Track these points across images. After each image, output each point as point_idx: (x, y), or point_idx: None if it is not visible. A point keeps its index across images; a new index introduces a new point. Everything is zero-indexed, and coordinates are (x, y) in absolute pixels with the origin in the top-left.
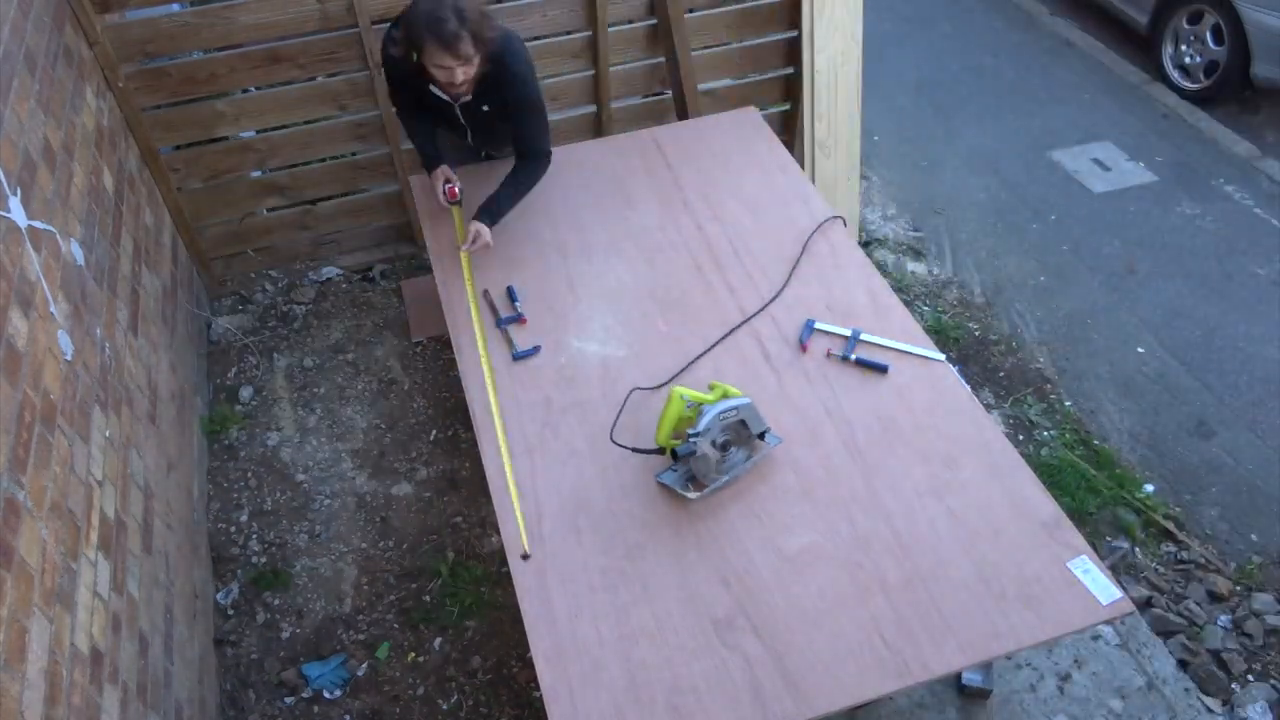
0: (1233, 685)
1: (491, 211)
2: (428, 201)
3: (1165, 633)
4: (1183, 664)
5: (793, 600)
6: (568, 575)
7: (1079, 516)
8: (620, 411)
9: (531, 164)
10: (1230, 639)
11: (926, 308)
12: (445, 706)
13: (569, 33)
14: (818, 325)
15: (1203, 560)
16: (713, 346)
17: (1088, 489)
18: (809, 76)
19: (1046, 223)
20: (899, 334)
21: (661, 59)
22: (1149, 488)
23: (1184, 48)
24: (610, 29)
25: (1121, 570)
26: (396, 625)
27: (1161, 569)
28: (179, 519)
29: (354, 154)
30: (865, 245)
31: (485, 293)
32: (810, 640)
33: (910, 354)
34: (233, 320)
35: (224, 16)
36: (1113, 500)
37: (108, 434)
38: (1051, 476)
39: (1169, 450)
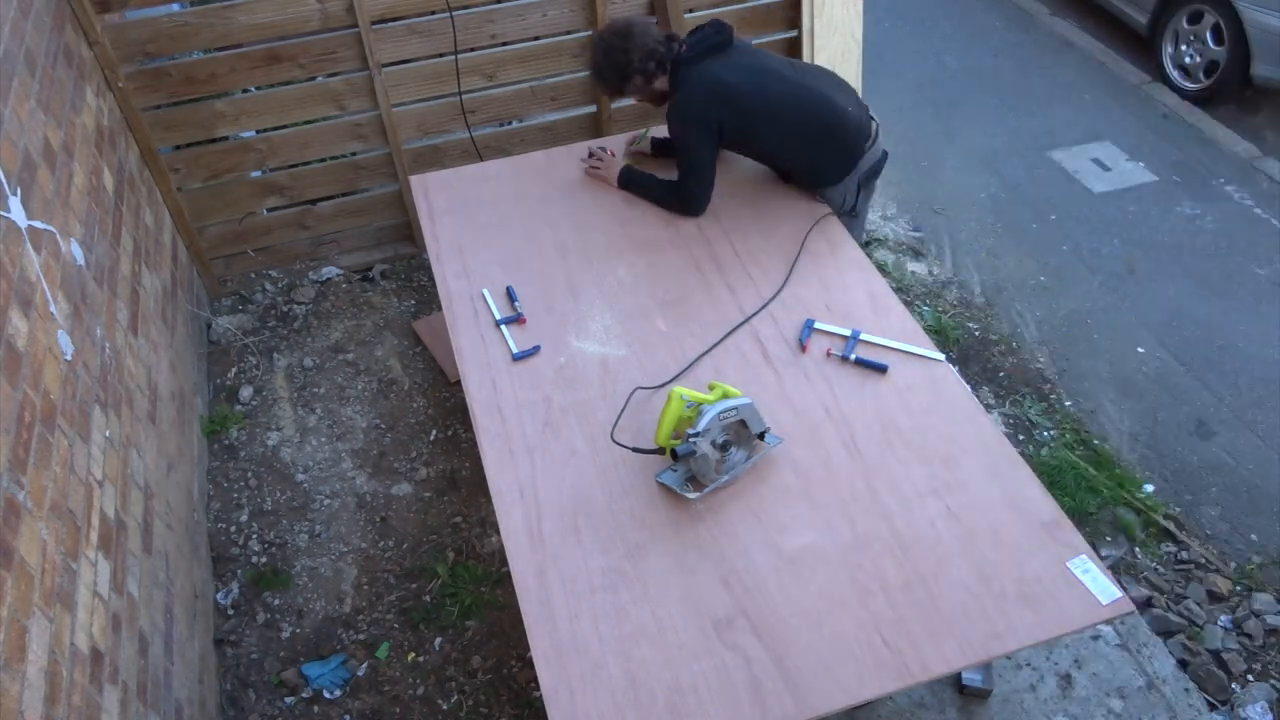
0: (1233, 685)
1: (633, 175)
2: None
3: (1165, 633)
4: (1183, 664)
5: (793, 600)
6: (568, 575)
7: (1079, 516)
8: (621, 412)
9: (672, 187)
10: (1230, 639)
11: (926, 308)
12: (445, 706)
13: (569, 33)
14: (818, 325)
15: (1203, 560)
16: (713, 347)
17: (1088, 489)
18: None
19: (1046, 223)
20: (899, 334)
21: None
22: (1149, 488)
23: (1184, 48)
24: None
25: (1121, 570)
26: (396, 625)
27: (1161, 569)
28: (179, 519)
29: (354, 154)
30: (865, 245)
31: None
32: (810, 640)
33: (910, 354)
34: (233, 320)
35: (224, 16)
36: (1113, 500)
37: (108, 434)
38: (1051, 476)
39: (1169, 450)
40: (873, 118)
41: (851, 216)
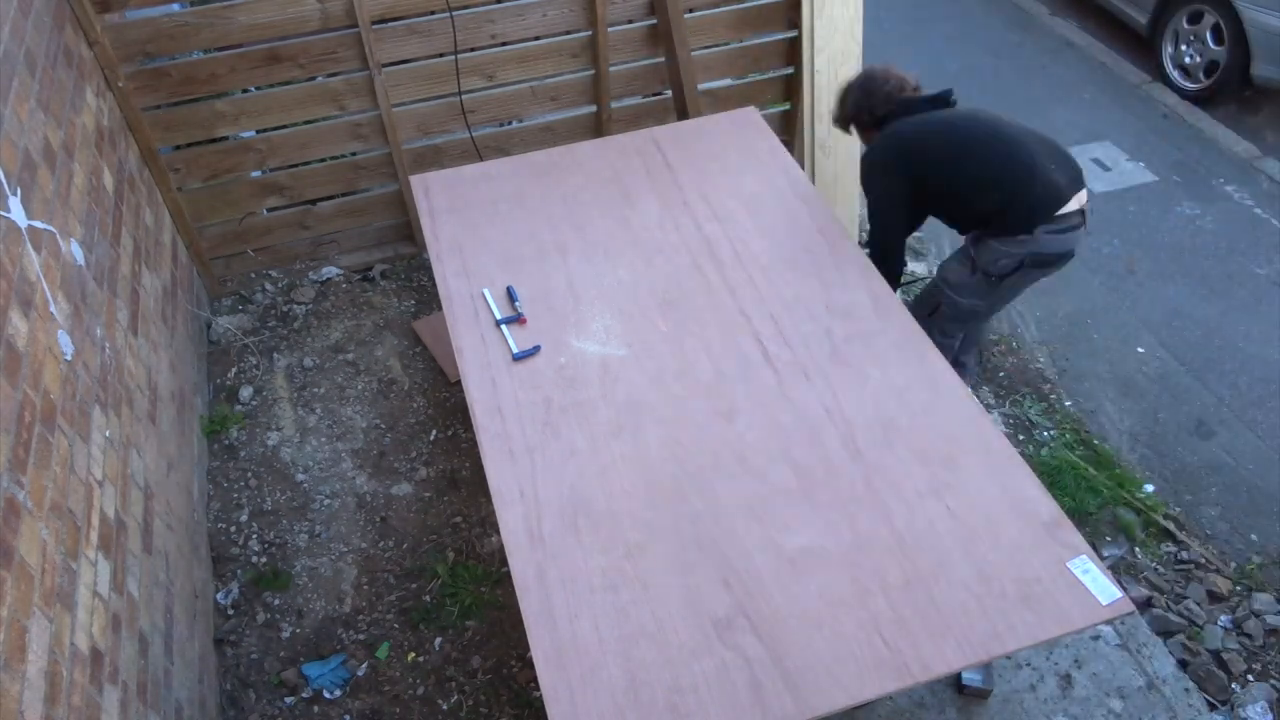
0: (1233, 685)
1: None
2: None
3: (1165, 633)
4: (1183, 664)
5: (793, 600)
6: (568, 575)
7: (1079, 516)
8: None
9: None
10: (1230, 639)
11: None
12: (445, 706)
13: (569, 33)
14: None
15: (1203, 560)
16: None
17: (1088, 489)
18: (809, 76)
19: None
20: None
21: (661, 59)
22: (1149, 488)
23: (1184, 48)
24: (610, 29)
25: (1121, 570)
26: (396, 625)
27: (1161, 569)
28: (179, 519)
29: (354, 154)
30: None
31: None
32: (810, 640)
33: (910, 354)
34: (233, 320)
35: (224, 16)
36: (1113, 500)
37: (108, 434)
38: (1051, 476)
39: (1169, 450)
40: (1083, 211)
41: (987, 282)
